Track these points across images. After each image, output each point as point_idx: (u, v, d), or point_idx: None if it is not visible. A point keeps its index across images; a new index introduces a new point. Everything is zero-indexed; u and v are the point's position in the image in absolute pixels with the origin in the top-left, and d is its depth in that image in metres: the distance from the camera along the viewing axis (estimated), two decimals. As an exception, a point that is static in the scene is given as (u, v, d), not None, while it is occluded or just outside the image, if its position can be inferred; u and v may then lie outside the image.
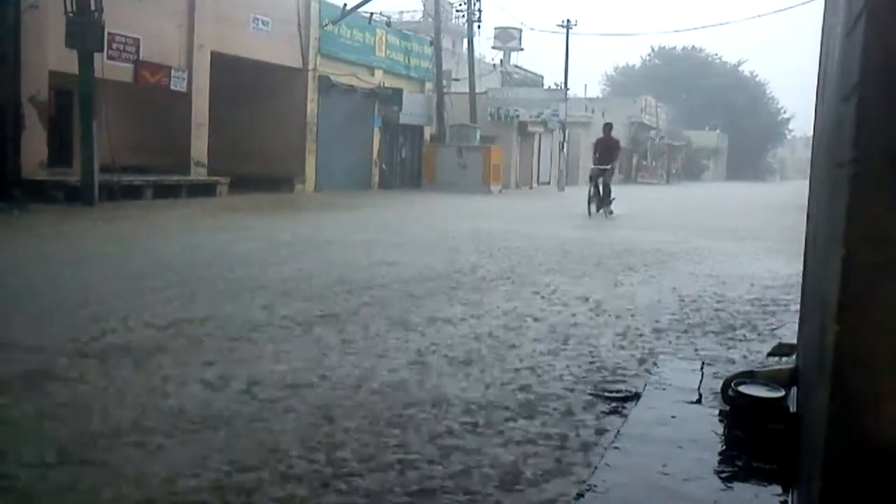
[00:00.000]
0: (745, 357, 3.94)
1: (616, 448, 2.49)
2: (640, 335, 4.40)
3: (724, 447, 2.46)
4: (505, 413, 2.94)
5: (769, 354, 3.66)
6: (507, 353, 3.89)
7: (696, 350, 4.10)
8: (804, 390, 2.21)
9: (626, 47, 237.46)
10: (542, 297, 5.54)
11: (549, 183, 32.09)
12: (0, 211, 10.86)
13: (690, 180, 53.74)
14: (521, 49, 48.77)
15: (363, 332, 4.26)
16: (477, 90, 27.29)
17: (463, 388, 3.26)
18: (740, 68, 71.57)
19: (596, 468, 2.34)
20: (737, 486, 2.20)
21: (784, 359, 3.30)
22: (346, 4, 20.93)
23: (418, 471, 2.36)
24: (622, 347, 4.09)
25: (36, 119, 13.32)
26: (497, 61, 42.37)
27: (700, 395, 3.07)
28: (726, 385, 2.67)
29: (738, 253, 8.98)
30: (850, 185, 1.20)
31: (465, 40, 29.04)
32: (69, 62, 12.52)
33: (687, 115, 61.67)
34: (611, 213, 14.90)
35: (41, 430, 2.65)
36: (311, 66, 20.23)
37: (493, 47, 47.02)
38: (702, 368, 3.54)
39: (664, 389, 3.18)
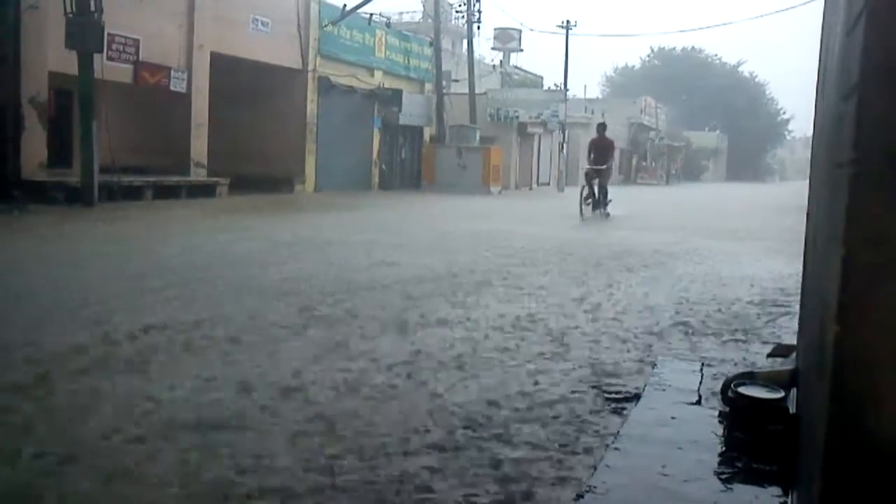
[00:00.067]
0: (744, 358, 3.93)
1: (616, 449, 2.49)
2: (640, 336, 4.39)
3: (723, 448, 2.46)
4: (504, 414, 2.93)
5: (769, 355, 3.66)
6: (506, 354, 3.89)
7: (696, 351, 4.09)
8: (804, 391, 2.21)
9: (626, 48, 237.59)
10: (542, 299, 5.53)
11: (548, 184, 32.10)
12: (0, 212, 10.85)
13: (690, 181, 53.74)
14: (521, 50, 48.85)
15: (362, 333, 4.25)
16: (476, 91, 27.30)
17: (462, 389, 3.26)
18: (740, 69, 71.65)
19: (595, 469, 2.33)
20: (736, 487, 2.20)
21: (784, 360, 3.29)
22: (345, 5, 20.96)
23: (418, 477, 2.36)
24: (622, 348, 4.08)
25: (36, 120, 13.33)
26: (497, 62, 42.42)
27: (700, 397, 3.07)
28: (726, 386, 2.66)
29: (738, 253, 8.97)
30: (849, 185, 1.19)
31: (465, 41, 29.05)
32: (69, 63, 12.52)
33: (686, 115, 61.69)
34: (607, 214, 14.80)
35: (33, 431, 2.64)
36: (310, 67, 20.24)
37: (493, 48, 47.14)
38: (701, 369, 3.53)
39: (664, 390, 3.18)
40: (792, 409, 2.43)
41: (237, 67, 18.22)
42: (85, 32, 12.33)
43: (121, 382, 3.19)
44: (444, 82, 26.23)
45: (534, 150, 31.43)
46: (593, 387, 3.32)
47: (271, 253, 7.69)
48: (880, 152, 1.15)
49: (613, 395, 3.20)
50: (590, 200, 14.87)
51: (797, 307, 3.58)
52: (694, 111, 63.68)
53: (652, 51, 70.07)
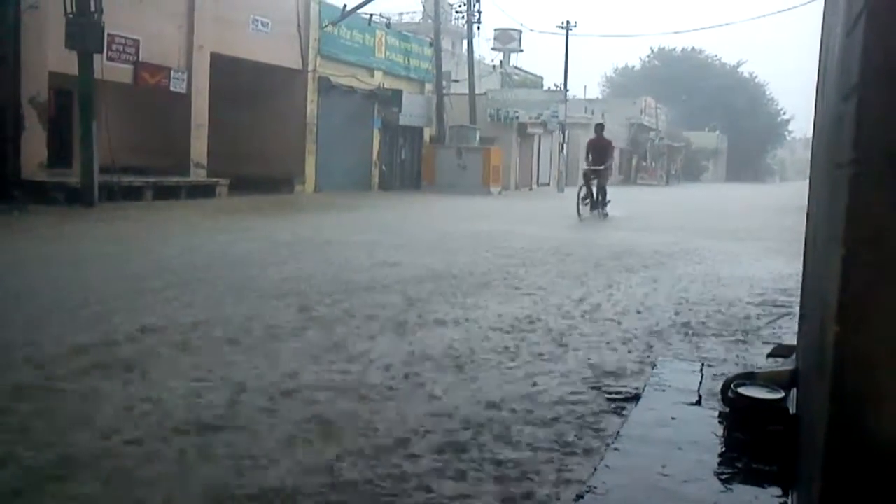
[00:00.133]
0: (744, 358, 3.93)
1: (615, 449, 2.49)
2: (640, 337, 4.39)
3: (723, 449, 2.46)
4: (504, 416, 2.93)
5: (769, 356, 3.66)
6: (505, 355, 3.88)
7: (696, 351, 4.09)
8: (804, 391, 2.21)
9: (626, 49, 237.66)
10: (542, 299, 5.53)
11: (548, 184, 32.09)
12: (0, 212, 10.85)
13: (690, 181, 53.74)
14: (521, 50, 48.87)
15: (361, 334, 4.25)
16: (477, 91, 27.30)
17: (461, 391, 3.26)
18: (740, 69, 71.64)
19: (595, 469, 2.33)
20: (736, 487, 2.20)
21: (784, 360, 3.29)
22: (345, 6, 20.95)
23: (418, 477, 2.36)
24: (621, 349, 4.08)
25: (36, 120, 13.33)
26: (497, 62, 42.41)
27: (700, 397, 3.07)
28: (726, 386, 2.66)
29: (738, 254, 8.97)
30: (849, 185, 1.19)
31: (465, 41, 29.05)
32: (69, 63, 12.52)
33: (686, 116, 61.68)
34: (605, 215, 14.74)
35: (32, 432, 2.64)
36: (310, 68, 20.24)
37: (493, 48, 47.14)
38: (701, 370, 3.53)
39: (664, 391, 3.18)
40: (792, 410, 2.43)
41: (237, 68, 18.22)
42: (85, 33, 12.33)
43: (120, 383, 3.19)
44: (444, 83, 26.23)
45: (534, 150, 31.43)
46: (593, 387, 3.32)
47: (271, 253, 7.69)
48: (880, 152, 1.15)
49: (613, 396, 3.20)
50: (587, 201, 14.82)
51: (797, 307, 3.58)
52: (694, 111, 63.67)
53: (652, 51, 70.15)
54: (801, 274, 3.17)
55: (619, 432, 2.66)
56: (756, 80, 71.85)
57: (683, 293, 5.99)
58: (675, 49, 69.90)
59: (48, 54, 13.14)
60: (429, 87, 25.97)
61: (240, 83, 18.79)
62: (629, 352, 4.00)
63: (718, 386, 2.94)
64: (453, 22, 36.38)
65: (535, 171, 31.81)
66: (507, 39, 46.87)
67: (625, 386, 3.34)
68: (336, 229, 10.96)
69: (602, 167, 15.00)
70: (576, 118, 35.07)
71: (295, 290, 5.52)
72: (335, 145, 21.11)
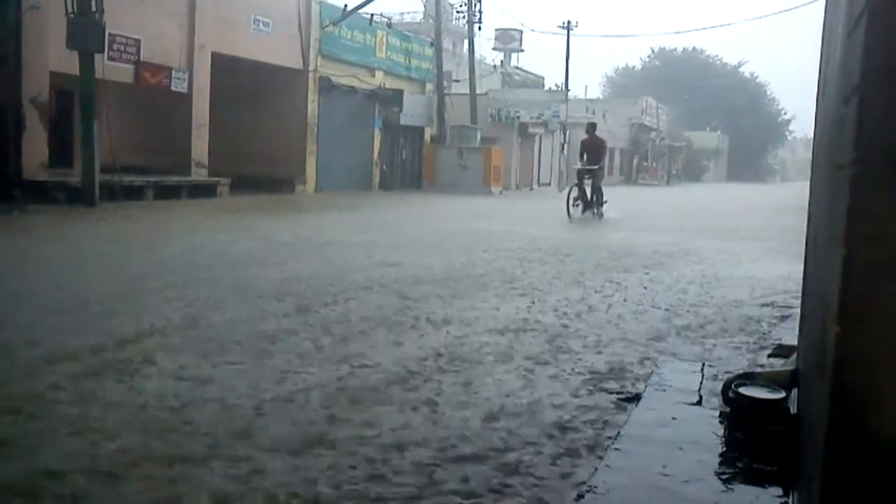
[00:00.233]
0: (744, 358, 3.93)
1: (616, 449, 2.49)
2: (639, 337, 4.39)
3: (724, 449, 2.46)
4: (501, 416, 2.93)
5: (770, 356, 3.66)
6: (504, 356, 3.89)
7: (696, 351, 4.09)
8: (805, 391, 2.21)
9: (627, 49, 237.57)
10: (541, 300, 5.53)
11: (549, 184, 32.09)
12: (1, 212, 10.86)
13: (691, 181, 53.71)
14: (522, 50, 48.80)
15: (359, 336, 4.25)
16: (477, 91, 27.30)
17: (461, 391, 3.26)
18: (741, 69, 71.58)
19: (596, 469, 2.33)
20: (737, 487, 2.20)
21: (784, 360, 3.29)
22: (346, 5, 20.94)
23: (416, 477, 2.36)
24: (621, 349, 4.08)
25: (37, 120, 13.33)
26: (498, 62, 42.38)
27: (700, 397, 3.07)
28: (726, 386, 2.66)
29: (738, 254, 8.97)
30: (850, 185, 1.19)
31: (466, 41, 29.08)
32: (70, 63, 12.53)
33: (687, 116, 61.64)
34: (601, 215, 14.65)
35: (31, 431, 2.64)
36: (311, 67, 20.25)
37: (494, 48, 47.08)
38: (702, 370, 3.53)
39: (664, 391, 3.18)
40: (793, 410, 2.43)
41: (238, 67, 18.23)
42: (86, 32, 12.34)
43: (119, 384, 3.19)
44: (444, 83, 26.23)
45: (535, 150, 31.43)
46: (593, 388, 3.32)
47: (272, 253, 7.69)
48: (881, 153, 1.15)
49: (614, 396, 3.20)
50: (579, 202, 14.62)
51: (798, 308, 3.58)
52: (695, 111, 63.62)
53: (653, 51, 70.11)
54: (801, 274, 3.17)
55: (619, 432, 2.66)
56: (757, 80, 71.83)
57: (683, 293, 5.99)
58: (676, 49, 69.89)
59: (49, 54, 13.15)
60: (430, 86, 25.97)
61: (241, 83, 18.80)
62: (629, 352, 4.00)
63: (719, 386, 2.94)
64: (454, 22, 36.40)
65: (536, 172, 31.80)
66: (508, 39, 46.84)
67: (625, 386, 3.35)
68: (336, 229, 10.96)
69: (596, 166, 14.92)
70: (577, 118, 34.97)
71: (295, 290, 5.52)
72: (336, 145, 21.11)
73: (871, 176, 1.16)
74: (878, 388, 1.15)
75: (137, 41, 15.19)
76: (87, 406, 2.88)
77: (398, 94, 23.25)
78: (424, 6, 31.34)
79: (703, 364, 3.67)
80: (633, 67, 70.51)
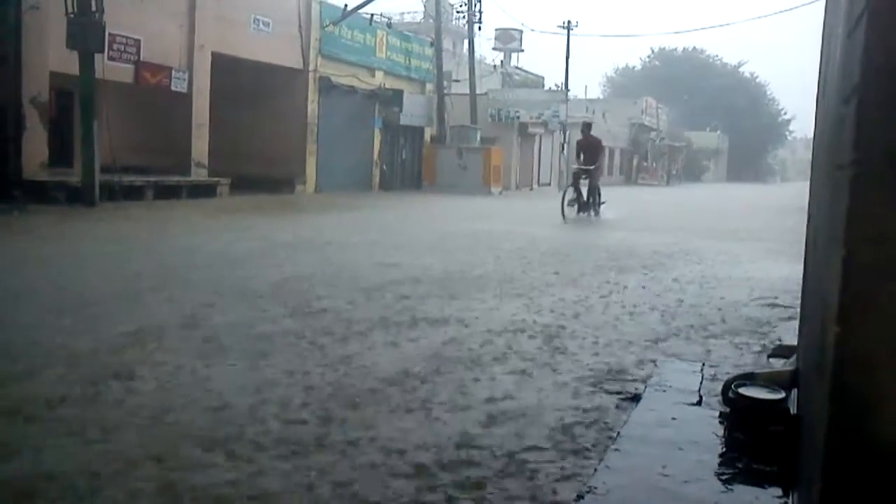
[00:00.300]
0: (744, 359, 3.93)
1: (616, 450, 2.49)
2: (639, 337, 4.39)
3: (724, 449, 2.46)
4: (501, 416, 2.93)
5: (769, 356, 3.66)
6: (503, 357, 3.88)
7: (696, 352, 4.09)
8: (804, 392, 2.21)
9: (627, 49, 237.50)
10: (540, 300, 5.53)
11: (549, 184, 32.08)
12: (1, 212, 10.86)
13: (691, 181, 53.71)
14: (522, 50, 48.81)
15: (356, 337, 4.25)
16: (477, 91, 27.29)
17: (460, 393, 3.26)
18: (741, 69, 71.58)
19: (596, 470, 2.33)
20: (737, 488, 2.20)
21: (784, 360, 3.29)
22: (346, 5, 20.94)
23: (416, 476, 2.36)
24: (621, 349, 4.08)
25: (37, 120, 13.33)
26: (498, 62, 42.39)
27: (700, 397, 3.07)
28: (726, 387, 2.66)
29: (738, 254, 8.97)
30: (850, 186, 1.19)
31: (466, 41, 29.09)
32: (70, 63, 12.53)
33: (687, 116, 61.64)
34: (598, 216, 14.60)
35: (30, 433, 2.64)
36: (311, 67, 20.24)
37: (494, 48, 47.09)
38: (702, 370, 3.53)
39: (664, 391, 3.18)
40: (793, 410, 2.43)
41: (238, 67, 18.23)
42: (86, 32, 12.34)
43: (119, 384, 3.19)
44: (444, 83, 26.22)
45: (535, 150, 31.42)
46: (592, 388, 3.32)
47: (271, 254, 7.69)
48: (881, 153, 1.15)
49: (613, 396, 3.20)
50: (574, 203, 14.49)
51: (798, 308, 3.58)
52: (695, 112, 63.63)
53: (653, 51, 70.11)
54: (801, 275, 3.17)
55: (619, 432, 2.66)
56: (757, 81, 71.82)
57: (683, 294, 5.99)
58: (675, 49, 69.88)
59: (49, 54, 13.15)
60: (430, 86, 25.96)
61: (241, 83, 18.80)
62: (629, 352, 4.00)
63: (719, 386, 2.94)
64: (454, 22, 36.40)
65: (536, 172, 31.80)
66: (508, 39, 46.84)
67: (625, 386, 3.34)
68: (336, 230, 10.96)
69: (593, 166, 14.86)
70: (577, 118, 34.92)
71: (293, 291, 5.52)
72: (336, 145, 21.11)
73: (871, 176, 1.16)
74: (878, 389, 1.15)
75: (137, 41, 15.19)
76: (86, 406, 2.88)
77: (398, 94, 23.24)
78: (424, 6, 31.35)
79: (703, 364, 3.67)
80: (633, 67, 70.52)
